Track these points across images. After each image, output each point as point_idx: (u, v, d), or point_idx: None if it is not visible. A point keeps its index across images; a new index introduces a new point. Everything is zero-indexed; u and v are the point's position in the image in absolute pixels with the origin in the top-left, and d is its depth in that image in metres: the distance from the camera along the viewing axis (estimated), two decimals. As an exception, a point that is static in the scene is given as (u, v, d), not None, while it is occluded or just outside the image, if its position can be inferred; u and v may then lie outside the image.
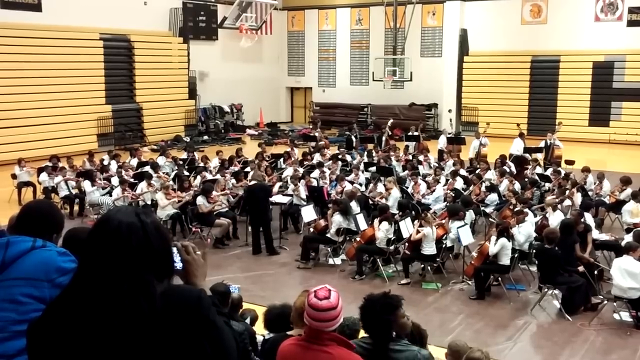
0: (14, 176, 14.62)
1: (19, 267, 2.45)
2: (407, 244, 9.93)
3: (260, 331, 5.43)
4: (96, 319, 1.73)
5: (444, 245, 10.02)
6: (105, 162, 15.47)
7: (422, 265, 10.00)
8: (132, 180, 13.50)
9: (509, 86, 25.93)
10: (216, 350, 1.82)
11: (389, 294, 3.53)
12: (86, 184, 13.17)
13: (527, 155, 16.73)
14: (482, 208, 12.23)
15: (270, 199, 11.67)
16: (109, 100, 22.96)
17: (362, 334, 4.48)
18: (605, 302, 8.38)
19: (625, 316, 8.18)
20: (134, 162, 15.74)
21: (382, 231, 9.87)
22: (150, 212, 1.94)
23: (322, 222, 10.89)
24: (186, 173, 14.24)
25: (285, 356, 2.95)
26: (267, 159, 16.24)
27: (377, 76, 26.59)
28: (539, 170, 14.87)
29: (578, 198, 11.97)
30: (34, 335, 1.85)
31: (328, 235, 10.62)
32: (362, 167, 15.18)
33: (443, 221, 10.38)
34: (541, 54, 25.55)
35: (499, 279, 9.36)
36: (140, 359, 1.74)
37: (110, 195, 12.91)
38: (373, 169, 14.80)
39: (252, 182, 11.34)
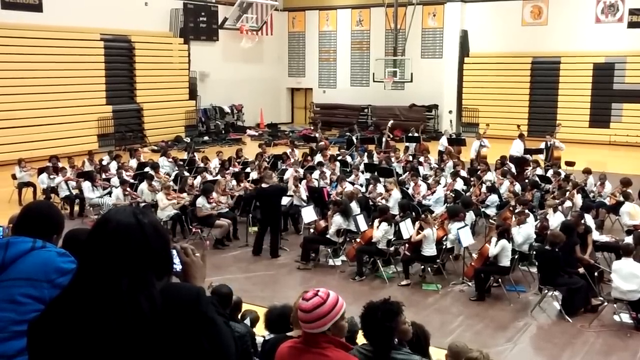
0: (14, 176, 14.62)
1: (19, 268, 2.46)
2: (407, 245, 9.92)
3: (261, 332, 5.43)
4: (96, 318, 1.74)
5: (444, 247, 10.02)
6: (105, 163, 15.48)
7: (422, 267, 10.00)
8: (132, 180, 13.51)
9: (509, 87, 25.93)
10: (214, 346, 1.82)
11: (389, 300, 3.46)
12: (85, 186, 13.16)
13: (527, 156, 16.74)
14: (482, 209, 12.23)
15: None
16: (110, 101, 22.96)
17: (361, 335, 4.48)
18: (606, 303, 8.38)
19: (626, 318, 8.17)
20: (134, 162, 15.73)
21: (381, 231, 9.86)
22: (148, 212, 1.95)
23: (322, 223, 10.88)
24: (186, 174, 14.24)
25: (282, 358, 2.94)
26: (267, 159, 16.24)
27: (377, 77, 26.59)
28: (539, 171, 14.88)
29: (578, 199, 11.98)
30: (34, 334, 1.86)
31: (328, 236, 10.62)
32: (362, 167, 15.19)
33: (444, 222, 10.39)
34: (542, 55, 25.54)
35: (499, 280, 9.36)
36: (140, 356, 1.75)
37: (111, 196, 12.92)
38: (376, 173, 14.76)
39: (265, 185, 11.25)
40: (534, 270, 9.57)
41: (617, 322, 8.18)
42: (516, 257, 9.40)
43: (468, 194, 12.54)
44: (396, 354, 3.34)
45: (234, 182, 13.38)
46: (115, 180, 13.66)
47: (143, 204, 12.08)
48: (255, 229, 11.96)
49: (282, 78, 32.09)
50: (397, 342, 3.44)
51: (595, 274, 8.97)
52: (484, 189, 12.90)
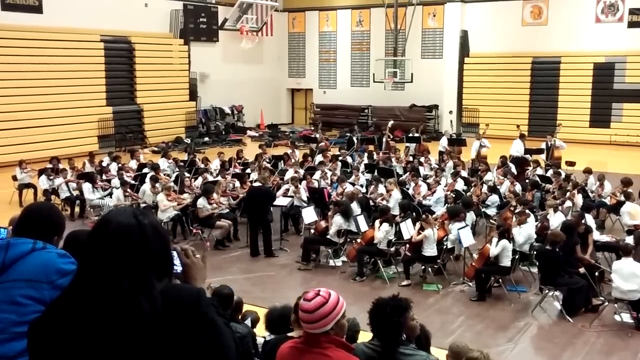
0: (14, 178, 14.62)
1: (19, 269, 2.46)
2: (408, 245, 9.92)
3: (262, 333, 5.43)
4: (96, 320, 1.74)
5: (444, 247, 10.02)
6: (104, 164, 15.48)
7: (423, 267, 10.00)
8: (132, 182, 13.50)
9: (509, 87, 25.92)
10: (214, 347, 1.83)
11: (398, 296, 3.51)
12: (85, 187, 13.16)
13: (527, 156, 16.73)
14: (483, 209, 12.23)
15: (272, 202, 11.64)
16: (110, 102, 22.97)
17: (362, 336, 4.48)
18: (606, 303, 8.38)
19: (626, 318, 8.17)
20: (133, 163, 15.72)
21: (382, 232, 9.87)
22: (148, 213, 1.96)
23: (323, 224, 10.89)
24: (187, 175, 14.24)
25: (283, 359, 2.94)
26: (268, 160, 16.24)
27: (377, 77, 26.59)
28: (539, 171, 14.87)
29: (579, 199, 11.97)
30: (35, 336, 1.86)
31: (329, 236, 10.62)
32: (362, 168, 15.19)
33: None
34: (542, 55, 25.54)
35: (500, 280, 9.36)
36: (141, 357, 1.75)
37: (111, 197, 12.92)
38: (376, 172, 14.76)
39: (257, 184, 11.31)
40: (534, 270, 9.57)
41: (617, 322, 8.17)
42: (517, 257, 9.40)
43: (468, 194, 12.54)
44: (404, 349, 3.37)
45: (236, 183, 13.37)
46: (115, 182, 13.65)
47: (143, 205, 12.08)
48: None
49: (282, 79, 32.09)
50: (405, 338, 3.48)
51: (596, 273, 8.98)
52: (484, 189, 12.90)
